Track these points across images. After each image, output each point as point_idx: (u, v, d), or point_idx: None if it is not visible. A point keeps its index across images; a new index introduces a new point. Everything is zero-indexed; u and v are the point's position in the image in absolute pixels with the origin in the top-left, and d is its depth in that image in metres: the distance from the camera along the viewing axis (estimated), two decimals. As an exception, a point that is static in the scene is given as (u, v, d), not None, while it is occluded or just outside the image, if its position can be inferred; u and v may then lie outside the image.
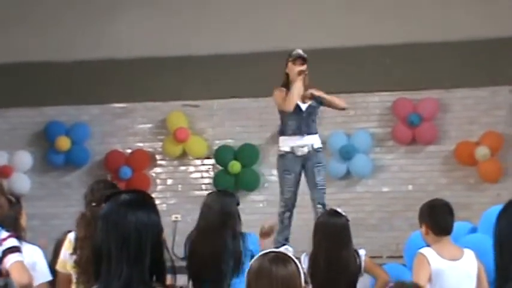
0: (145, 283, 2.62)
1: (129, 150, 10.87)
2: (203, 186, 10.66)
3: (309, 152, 7.27)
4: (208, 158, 10.72)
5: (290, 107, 7.23)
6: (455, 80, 9.94)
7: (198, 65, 10.51)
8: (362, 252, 5.46)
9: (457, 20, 9.90)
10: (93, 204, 4.83)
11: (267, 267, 3.04)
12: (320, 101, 7.36)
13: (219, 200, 5.54)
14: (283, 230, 7.34)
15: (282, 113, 7.37)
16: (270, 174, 10.58)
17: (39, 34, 10.81)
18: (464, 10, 9.93)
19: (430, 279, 5.00)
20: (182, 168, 10.84)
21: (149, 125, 10.95)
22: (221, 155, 10.54)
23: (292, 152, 7.27)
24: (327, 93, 7.39)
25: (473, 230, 6.13)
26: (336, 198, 9.95)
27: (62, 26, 10.82)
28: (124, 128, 10.95)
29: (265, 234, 5.67)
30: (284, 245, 7.12)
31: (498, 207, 2.66)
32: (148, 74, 10.59)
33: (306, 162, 7.29)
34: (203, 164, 10.79)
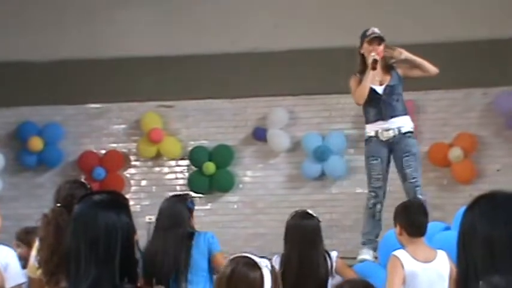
0: (114, 284, 2.61)
1: (103, 151, 10.81)
2: (178, 187, 10.62)
3: (394, 136, 6.57)
4: (182, 159, 10.69)
5: (360, 102, 6.63)
6: (430, 82, 9.96)
7: (173, 66, 10.48)
8: (334, 254, 5.48)
9: (431, 22, 9.96)
10: (58, 204, 4.77)
11: (231, 271, 3.04)
12: (402, 76, 6.68)
13: (170, 204, 5.84)
14: (374, 226, 6.61)
15: None
16: (245, 175, 10.59)
17: (11, 34, 10.72)
18: (438, 13, 9.99)
19: (404, 282, 5.02)
20: (156, 169, 10.80)
21: (123, 126, 10.90)
22: (196, 156, 10.51)
23: (376, 136, 6.60)
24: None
25: (447, 230, 6.17)
26: (311, 199, 9.99)
27: (35, 26, 10.74)
28: (98, 128, 10.89)
29: None
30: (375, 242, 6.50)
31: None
32: (123, 74, 10.54)
33: (393, 149, 6.60)
34: (178, 165, 10.76)
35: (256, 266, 3.03)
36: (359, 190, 10.14)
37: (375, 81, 6.68)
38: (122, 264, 2.63)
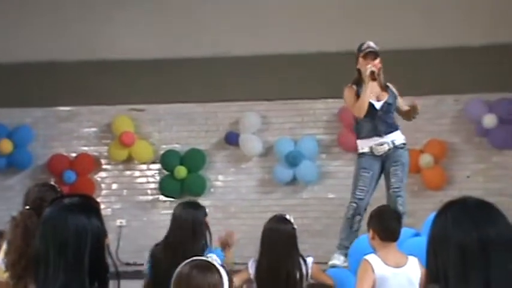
0: None
1: (73, 154, 10.74)
2: (149, 191, 10.59)
3: (389, 149, 6.64)
4: (154, 162, 10.64)
5: (360, 114, 6.59)
6: (401, 89, 10.01)
7: (145, 69, 10.44)
8: (310, 259, 5.49)
9: (403, 29, 10.01)
10: (27, 207, 4.73)
11: (187, 274, 3.02)
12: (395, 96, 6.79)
13: (189, 212, 5.48)
14: (349, 235, 6.62)
15: None
16: (216, 180, 10.57)
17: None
18: (410, 20, 10.05)
19: (374, 286, 5.03)
20: (128, 172, 10.75)
21: (94, 129, 10.84)
22: (167, 160, 10.47)
23: (371, 151, 6.63)
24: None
25: (417, 236, 6.20)
26: (282, 204, 9.99)
27: (3, 27, 10.66)
28: (69, 131, 10.82)
29: (223, 244, 5.56)
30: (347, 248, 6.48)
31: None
32: (94, 77, 10.48)
33: (385, 160, 6.65)
34: (149, 169, 10.71)
35: (213, 268, 3.03)
36: (330, 195, 10.19)
37: (372, 96, 6.68)
38: (91, 269, 2.60)
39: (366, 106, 6.58)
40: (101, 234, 2.65)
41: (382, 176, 6.77)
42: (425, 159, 9.92)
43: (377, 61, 6.66)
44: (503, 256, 2.29)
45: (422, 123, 10.18)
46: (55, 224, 2.62)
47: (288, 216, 5.49)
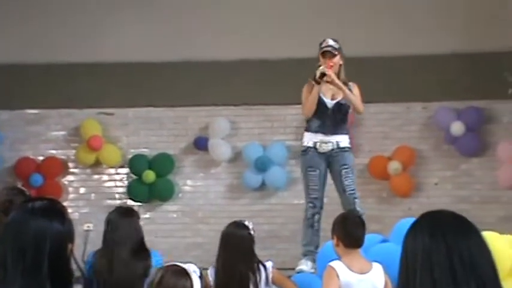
0: None
1: (41, 158, 10.65)
2: (117, 195, 10.53)
3: (333, 149, 6.59)
4: (122, 166, 10.59)
5: (306, 114, 6.62)
6: (370, 95, 10.07)
7: (114, 73, 10.39)
8: (269, 264, 5.45)
9: (374, 36, 10.06)
10: None
11: (162, 279, 3.04)
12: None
13: (121, 219, 5.45)
14: (312, 237, 6.60)
15: None
16: (185, 184, 10.54)
17: None
18: (378, 27, 10.10)
19: (339, 292, 5.04)
20: (96, 176, 10.68)
21: (62, 132, 10.76)
22: (135, 164, 10.43)
23: (314, 147, 6.59)
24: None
25: (384, 242, 6.22)
26: (250, 210, 10.00)
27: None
28: (36, 134, 10.72)
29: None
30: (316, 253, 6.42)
31: (410, 220, 2.68)
32: (62, 80, 10.41)
33: (331, 162, 6.61)
34: (117, 173, 10.65)
35: (185, 273, 3.03)
36: (297, 201, 10.18)
37: (327, 94, 6.66)
38: (53, 273, 2.55)
39: (313, 108, 6.56)
40: (62, 238, 2.60)
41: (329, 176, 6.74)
42: (394, 166, 9.97)
43: (335, 59, 6.61)
44: (467, 275, 2.30)
45: (390, 130, 10.26)
46: (15, 227, 2.58)
47: (246, 222, 5.46)
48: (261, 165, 10.09)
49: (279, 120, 10.36)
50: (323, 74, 6.52)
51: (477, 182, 10.10)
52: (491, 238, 3.42)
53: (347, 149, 6.66)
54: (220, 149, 10.33)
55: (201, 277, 3.07)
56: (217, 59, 10.27)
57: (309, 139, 6.66)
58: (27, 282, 2.51)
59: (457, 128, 9.94)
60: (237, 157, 10.40)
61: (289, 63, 10.03)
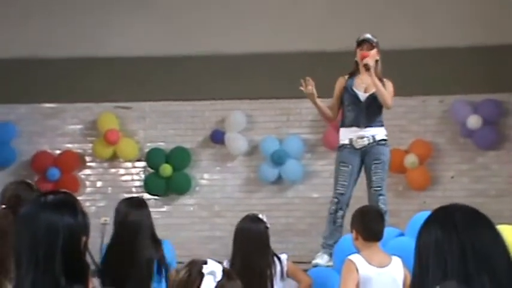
0: (58, 287, 2.54)
1: (57, 151, 10.69)
2: (133, 189, 10.56)
3: (369, 143, 6.60)
4: (139, 160, 10.62)
5: (327, 120, 6.96)
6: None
7: (131, 66, 10.41)
8: (284, 257, 5.46)
9: (389, 29, 10.01)
10: (3, 206, 4.68)
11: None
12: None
13: (131, 210, 5.42)
14: (333, 232, 6.61)
15: (341, 101, 6.78)
16: (202, 178, 10.56)
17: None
18: (396, 20, 10.07)
19: (357, 286, 5.04)
20: (112, 170, 10.71)
21: (79, 126, 10.80)
22: (152, 158, 10.45)
23: (350, 143, 6.61)
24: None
25: (401, 236, 6.21)
26: (267, 203, 10.01)
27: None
28: (53, 128, 10.77)
29: None
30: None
31: (426, 213, 2.69)
32: (80, 74, 10.45)
33: (366, 155, 6.61)
34: (134, 167, 10.68)
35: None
36: (315, 195, 10.19)
37: (361, 87, 6.71)
38: (67, 267, 2.55)
39: (325, 118, 6.93)
40: (75, 231, 2.60)
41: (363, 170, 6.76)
42: (410, 159, 9.94)
43: (373, 51, 6.70)
44: (479, 267, 2.31)
45: (407, 123, 10.23)
46: (27, 222, 2.59)
47: (260, 216, 5.46)
48: (278, 159, 10.10)
49: (294, 113, 10.36)
50: (366, 65, 6.59)
51: (494, 176, 10.06)
52: (507, 231, 3.42)
53: (383, 141, 6.67)
54: (237, 142, 10.34)
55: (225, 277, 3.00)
56: (234, 53, 10.27)
57: (344, 136, 6.70)
58: (40, 276, 2.53)
59: (473, 121, 9.90)
60: (253, 151, 10.41)
61: (305, 57, 10.02)
